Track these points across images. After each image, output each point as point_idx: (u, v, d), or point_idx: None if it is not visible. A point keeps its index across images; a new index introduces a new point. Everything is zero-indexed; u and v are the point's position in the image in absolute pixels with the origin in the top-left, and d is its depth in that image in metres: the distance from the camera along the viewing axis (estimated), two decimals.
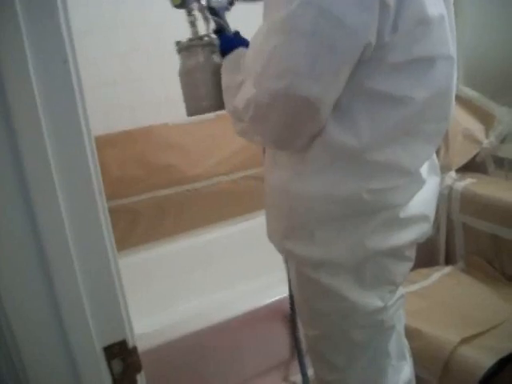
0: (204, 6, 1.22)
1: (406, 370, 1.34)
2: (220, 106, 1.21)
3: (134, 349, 0.75)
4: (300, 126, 0.99)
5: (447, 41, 0.99)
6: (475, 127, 2.23)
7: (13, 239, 0.64)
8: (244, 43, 1.19)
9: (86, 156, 0.67)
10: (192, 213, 2.48)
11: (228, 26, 1.25)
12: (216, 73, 1.20)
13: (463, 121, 2.22)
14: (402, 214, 1.09)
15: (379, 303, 1.16)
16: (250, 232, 2.40)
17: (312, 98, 0.91)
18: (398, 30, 0.90)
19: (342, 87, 0.94)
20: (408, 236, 1.13)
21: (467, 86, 2.16)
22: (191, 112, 1.27)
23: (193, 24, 1.23)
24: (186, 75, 1.24)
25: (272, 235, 1.20)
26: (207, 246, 2.37)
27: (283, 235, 1.13)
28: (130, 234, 2.37)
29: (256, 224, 2.45)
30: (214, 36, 1.23)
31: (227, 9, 1.26)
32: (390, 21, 0.88)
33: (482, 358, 1.55)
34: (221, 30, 1.24)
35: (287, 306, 1.54)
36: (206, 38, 1.22)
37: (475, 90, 2.16)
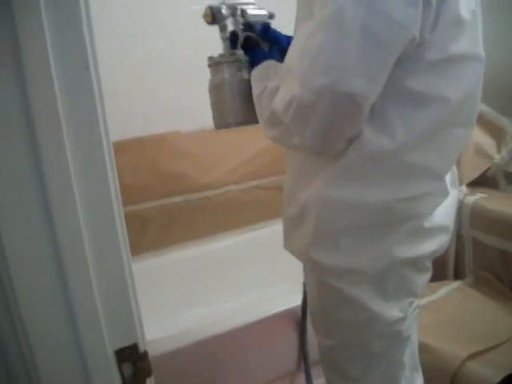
0: (240, 21, 1.23)
1: (419, 381, 1.33)
2: (247, 121, 1.22)
3: (145, 353, 0.76)
4: (341, 127, 0.97)
5: (479, 41, 1.00)
6: (487, 142, 2.22)
7: (30, 242, 0.65)
8: (275, 57, 1.19)
9: (105, 161, 0.68)
10: (202, 221, 2.49)
11: (263, 42, 1.25)
12: (243, 89, 1.20)
13: (475, 135, 2.20)
14: (427, 224, 1.09)
15: (399, 314, 1.15)
16: (259, 241, 2.41)
17: (358, 94, 0.90)
18: (437, 27, 0.91)
19: (382, 85, 0.93)
20: (431, 246, 1.12)
21: None
22: (218, 126, 1.27)
23: (225, 40, 1.23)
24: (213, 91, 1.25)
25: (292, 244, 1.18)
26: (217, 254, 2.37)
27: (307, 243, 1.11)
28: (140, 240, 2.37)
29: (265, 233, 2.46)
30: (241, 52, 1.23)
31: (268, 23, 1.26)
32: (431, 18, 0.90)
33: (490, 373, 1.54)
34: (252, 44, 1.24)
35: (295, 316, 1.54)
36: (233, 55, 1.22)
37: (487, 105, 2.16)
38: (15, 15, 0.57)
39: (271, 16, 1.28)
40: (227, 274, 2.10)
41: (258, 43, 1.24)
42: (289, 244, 1.20)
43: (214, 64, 1.23)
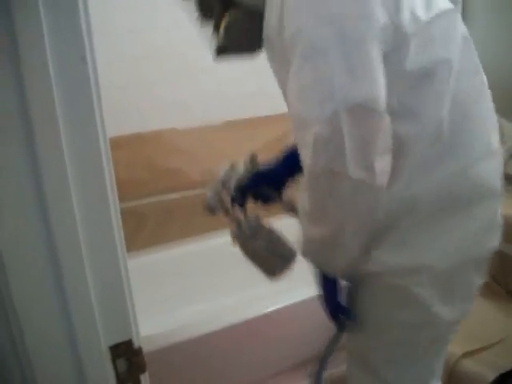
0: (232, 187, 1.28)
1: None
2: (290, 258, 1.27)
3: (140, 349, 0.75)
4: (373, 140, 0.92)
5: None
6: None
7: (24, 237, 0.65)
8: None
9: (101, 156, 0.68)
10: (198, 218, 2.48)
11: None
12: (257, 249, 1.25)
13: None
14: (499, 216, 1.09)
15: (457, 317, 1.13)
16: None
17: (367, 101, 0.87)
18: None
19: (383, 83, 0.90)
20: (495, 243, 1.11)
21: None
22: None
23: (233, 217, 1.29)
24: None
25: (334, 260, 1.08)
26: (213, 251, 2.36)
27: (362, 245, 1.04)
28: (136, 236, 2.37)
29: None
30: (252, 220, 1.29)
31: (256, 175, 1.30)
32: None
33: (484, 372, 1.55)
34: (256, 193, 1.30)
35: (295, 312, 1.53)
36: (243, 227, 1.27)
37: None
38: (10, 3, 0.57)
39: (253, 158, 1.32)
40: (224, 271, 2.10)
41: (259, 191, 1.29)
42: (327, 264, 1.11)
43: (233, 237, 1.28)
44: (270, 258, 1.25)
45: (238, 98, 2.56)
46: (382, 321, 1.14)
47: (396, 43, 0.92)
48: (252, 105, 2.59)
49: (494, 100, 1.09)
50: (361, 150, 0.90)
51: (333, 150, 0.90)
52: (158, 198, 2.40)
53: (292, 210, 1.26)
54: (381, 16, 0.88)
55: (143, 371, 0.76)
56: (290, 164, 1.25)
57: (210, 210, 1.25)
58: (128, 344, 0.73)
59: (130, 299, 0.74)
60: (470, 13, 2.29)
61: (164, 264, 2.36)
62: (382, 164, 0.92)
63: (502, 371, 1.55)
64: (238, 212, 1.28)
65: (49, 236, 0.66)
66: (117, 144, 2.16)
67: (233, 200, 1.29)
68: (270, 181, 1.29)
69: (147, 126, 2.39)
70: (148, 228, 2.43)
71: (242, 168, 1.29)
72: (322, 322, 1.23)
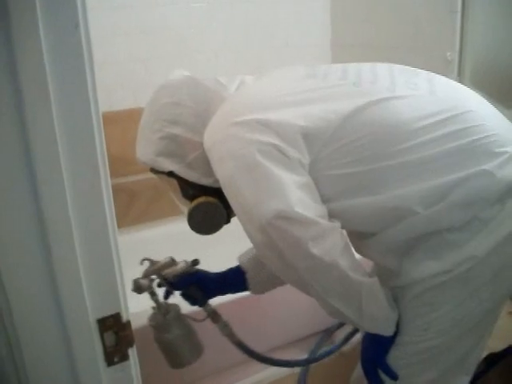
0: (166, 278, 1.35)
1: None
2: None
3: (128, 323, 0.75)
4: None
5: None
6: None
7: (13, 209, 0.64)
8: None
9: (93, 131, 0.67)
10: None
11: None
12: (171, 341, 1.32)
13: None
14: None
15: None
16: None
17: (282, 211, 0.98)
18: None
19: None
20: None
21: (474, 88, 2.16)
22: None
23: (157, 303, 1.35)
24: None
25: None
26: None
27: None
28: (127, 212, 2.37)
29: None
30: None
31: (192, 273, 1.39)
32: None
33: None
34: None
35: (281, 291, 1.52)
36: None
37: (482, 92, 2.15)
38: None
39: (195, 263, 1.40)
40: (214, 248, 2.09)
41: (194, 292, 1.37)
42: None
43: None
44: (181, 349, 1.33)
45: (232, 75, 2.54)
46: (450, 321, 1.10)
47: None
48: None
49: (492, 87, 1.09)
50: (294, 248, 1.00)
51: (275, 249, 1.02)
52: (149, 175, 2.37)
53: (213, 318, 1.36)
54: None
55: (131, 345, 0.76)
56: (227, 281, 1.39)
57: (137, 289, 1.30)
58: (116, 317, 0.73)
59: (119, 273, 0.74)
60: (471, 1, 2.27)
61: (154, 241, 2.35)
62: (323, 246, 1.00)
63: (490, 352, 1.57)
64: (160, 299, 1.35)
65: (39, 210, 0.65)
66: (109, 119, 2.13)
67: (159, 286, 1.37)
68: (202, 286, 1.38)
69: (141, 103, 2.36)
70: (139, 205, 2.42)
71: (182, 265, 1.37)
72: None
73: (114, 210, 0.72)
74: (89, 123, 0.66)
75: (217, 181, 1.12)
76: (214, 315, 1.37)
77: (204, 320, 1.36)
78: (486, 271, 1.05)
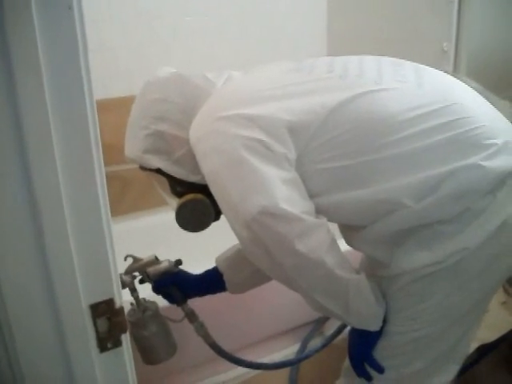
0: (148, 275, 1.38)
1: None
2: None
3: (121, 309, 0.75)
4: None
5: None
6: None
7: (5, 193, 0.63)
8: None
9: (87, 117, 0.66)
10: None
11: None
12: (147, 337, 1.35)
13: None
14: None
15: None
16: None
17: (265, 207, 0.97)
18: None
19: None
20: None
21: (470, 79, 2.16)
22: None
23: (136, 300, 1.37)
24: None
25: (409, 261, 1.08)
26: None
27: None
28: (120, 200, 2.35)
29: None
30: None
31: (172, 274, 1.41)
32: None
33: None
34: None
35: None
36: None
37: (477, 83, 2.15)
38: None
39: (178, 263, 1.42)
40: (208, 238, 2.08)
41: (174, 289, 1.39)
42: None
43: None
44: (155, 347, 1.36)
45: (229, 64, 2.53)
46: (440, 310, 1.10)
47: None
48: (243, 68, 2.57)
49: (488, 77, 1.09)
50: (280, 244, 1.00)
51: (261, 246, 1.02)
52: None
53: (190, 318, 1.38)
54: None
55: (124, 331, 0.75)
56: (206, 283, 1.41)
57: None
58: (109, 303, 0.73)
59: (112, 259, 0.73)
60: None
61: (148, 230, 2.35)
62: (308, 243, 0.99)
63: (482, 343, 1.57)
64: (140, 296, 1.37)
65: (32, 198, 0.64)
66: (103, 106, 2.11)
67: (141, 282, 1.39)
68: (182, 286, 1.39)
69: (136, 90, 2.35)
70: (133, 193, 2.41)
71: (165, 265, 1.39)
72: None
73: (107, 195, 0.71)
74: (83, 110, 0.66)
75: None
76: (191, 315, 1.39)
77: (181, 321, 1.38)
78: (476, 263, 1.05)
